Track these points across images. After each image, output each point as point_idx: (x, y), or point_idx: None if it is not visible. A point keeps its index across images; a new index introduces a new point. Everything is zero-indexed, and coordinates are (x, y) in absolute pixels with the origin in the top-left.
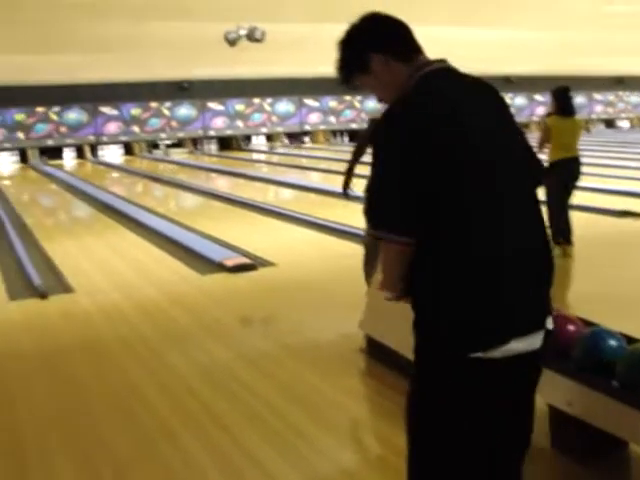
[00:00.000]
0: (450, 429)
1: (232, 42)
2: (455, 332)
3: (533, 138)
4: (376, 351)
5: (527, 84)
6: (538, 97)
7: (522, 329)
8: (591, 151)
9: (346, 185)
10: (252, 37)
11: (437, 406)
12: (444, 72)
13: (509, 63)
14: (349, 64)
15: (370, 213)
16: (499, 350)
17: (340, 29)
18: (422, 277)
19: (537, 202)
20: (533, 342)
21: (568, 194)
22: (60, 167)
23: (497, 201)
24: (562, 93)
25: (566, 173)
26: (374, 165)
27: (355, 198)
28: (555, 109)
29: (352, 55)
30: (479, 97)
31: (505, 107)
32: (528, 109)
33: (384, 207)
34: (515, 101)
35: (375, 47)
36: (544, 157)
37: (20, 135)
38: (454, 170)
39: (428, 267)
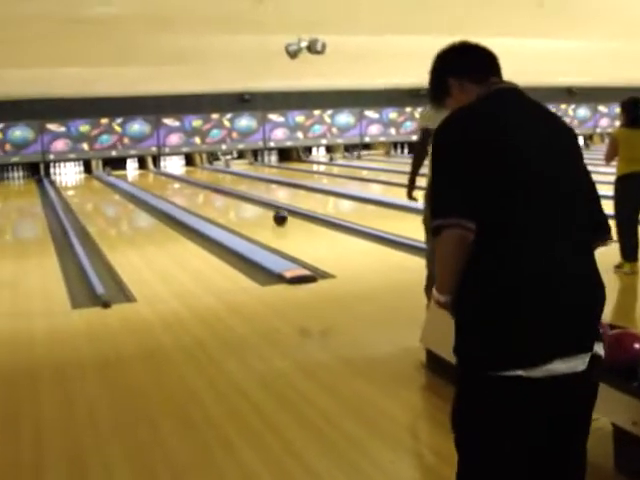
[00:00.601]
0: (491, 448)
1: (293, 54)
2: (499, 348)
3: (597, 150)
4: (436, 366)
5: (590, 95)
6: (602, 108)
7: (566, 351)
8: None
9: (409, 195)
10: (313, 49)
11: (478, 424)
12: (506, 91)
13: (571, 74)
14: (435, 88)
15: (432, 208)
16: (540, 369)
17: (400, 42)
18: (468, 286)
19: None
20: (576, 364)
21: (637, 210)
22: (123, 178)
23: (550, 220)
24: (632, 104)
25: (635, 187)
26: (432, 165)
27: (416, 210)
28: (624, 121)
29: (435, 80)
30: (535, 119)
31: (573, 144)
32: (591, 121)
33: (443, 197)
34: (577, 113)
35: (452, 72)
36: (612, 170)
37: (84, 146)
38: (502, 181)
39: (475, 278)
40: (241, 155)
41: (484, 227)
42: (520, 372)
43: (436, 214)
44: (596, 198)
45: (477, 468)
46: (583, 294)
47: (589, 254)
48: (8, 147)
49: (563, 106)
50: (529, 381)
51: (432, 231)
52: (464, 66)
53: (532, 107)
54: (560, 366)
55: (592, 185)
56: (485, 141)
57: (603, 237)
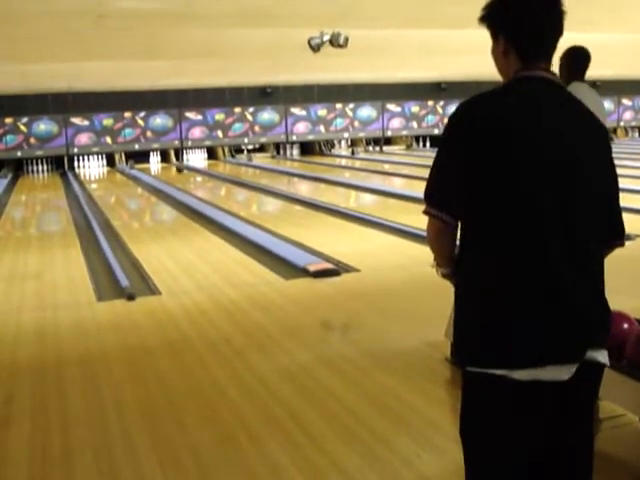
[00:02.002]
0: (481, 447)
1: (316, 48)
2: (486, 345)
3: (620, 144)
4: None
5: (613, 88)
6: (625, 101)
7: (550, 358)
8: None
9: None
10: (335, 43)
11: (472, 420)
12: (539, 81)
13: (594, 67)
14: (491, 14)
15: (424, 190)
16: (524, 372)
17: (422, 35)
18: (464, 281)
19: (594, 257)
20: (559, 373)
21: None
22: (146, 171)
23: (540, 230)
24: None
25: None
26: (438, 148)
27: None
28: None
29: (492, 15)
30: (563, 115)
31: (603, 146)
32: (615, 114)
33: (431, 183)
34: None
35: (505, 32)
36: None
37: (108, 140)
38: (501, 178)
39: (470, 275)
40: (263, 148)
41: (479, 226)
42: (504, 371)
43: (424, 199)
44: (615, 202)
45: (473, 465)
46: (577, 303)
47: (591, 263)
48: (33, 141)
49: None
50: (513, 383)
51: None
52: (519, 33)
53: (559, 103)
54: (543, 372)
55: (613, 189)
56: (490, 145)
57: (615, 241)
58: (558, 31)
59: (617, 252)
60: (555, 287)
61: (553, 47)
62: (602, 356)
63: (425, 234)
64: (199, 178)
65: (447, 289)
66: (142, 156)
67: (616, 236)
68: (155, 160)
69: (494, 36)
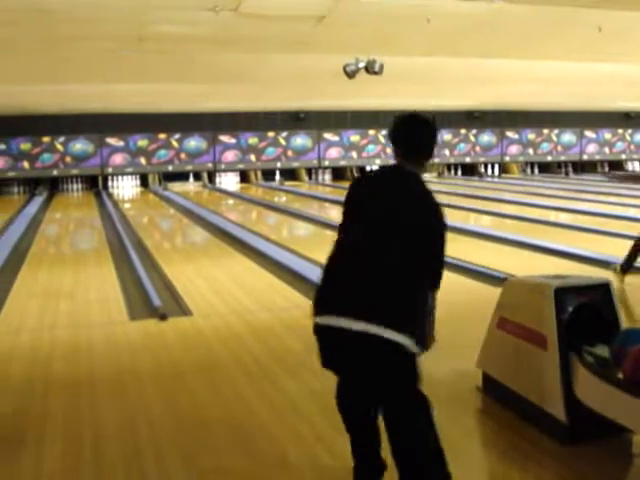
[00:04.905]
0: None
1: (351, 74)
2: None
3: None
4: (493, 389)
5: None
6: None
7: (335, 311)
8: None
9: None
10: (371, 70)
11: None
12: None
13: (630, 98)
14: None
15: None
16: (320, 318)
17: (456, 64)
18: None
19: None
20: (339, 321)
21: None
22: (179, 192)
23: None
24: None
25: None
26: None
27: (468, 232)
28: None
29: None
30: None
31: (399, 210)
32: None
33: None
34: (634, 137)
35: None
36: None
37: (142, 160)
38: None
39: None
40: (295, 174)
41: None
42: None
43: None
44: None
45: None
46: (353, 286)
47: (384, 273)
48: (68, 160)
49: (620, 130)
50: (316, 325)
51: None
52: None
53: (387, 181)
54: (328, 320)
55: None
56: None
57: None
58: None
59: None
60: (347, 275)
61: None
62: (391, 334)
63: (456, 262)
64: (231, 201)
65: (479, 316)
66: (175, 177)
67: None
68: (188, 182)
69: None
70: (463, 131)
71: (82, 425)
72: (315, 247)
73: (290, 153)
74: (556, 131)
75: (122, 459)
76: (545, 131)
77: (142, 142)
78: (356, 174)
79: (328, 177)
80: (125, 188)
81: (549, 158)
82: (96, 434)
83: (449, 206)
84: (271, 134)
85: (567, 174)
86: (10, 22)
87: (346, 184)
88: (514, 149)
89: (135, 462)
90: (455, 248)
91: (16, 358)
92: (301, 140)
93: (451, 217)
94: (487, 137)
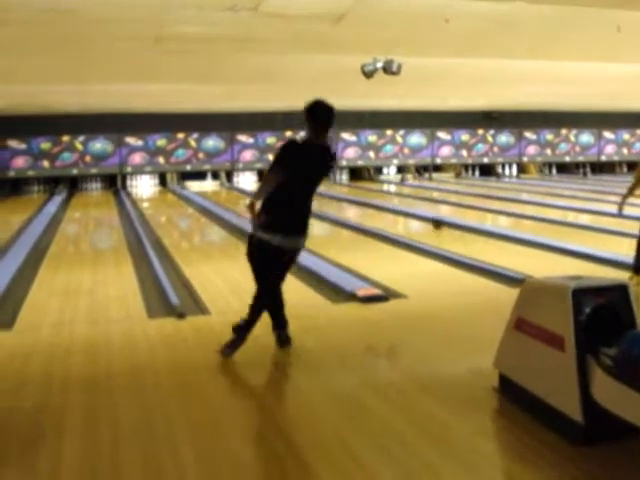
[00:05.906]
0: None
1: (369, 74)
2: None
3: None
4: (509, 390)
5: None
6: None
7: (285, 234)
8: None
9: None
10: (389, 70)
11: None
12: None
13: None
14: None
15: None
16: (275, 239)
17: (474, 64)
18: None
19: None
20: (289, 242)
21: None
22: (197, 192)
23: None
24: None
25: None
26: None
27: (486, 232)
28: None
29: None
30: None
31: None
32: None
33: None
34: None
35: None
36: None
37: (160, 160)
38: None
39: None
40: None
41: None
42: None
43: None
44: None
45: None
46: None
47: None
48: (88, 159)
49: (638, 131)
50: (273, 245)
51: None
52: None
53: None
54: (281, 241)
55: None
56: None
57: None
58: None
59: None
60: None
61: None
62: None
63: (473, 262)
64: (248, 200)
65: (496, 317)
66: (193, 176)
67: None
68: (206, 181)
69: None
70: (481, 131)
71: (100, 420)
72: (332, 246)
73: None
74: (574, 131)
75: (139, 454)
76: (563, 131)
77: (161, 141)
78: (373, 174)
79: (345, 177)
80: (144, 187)
81: (567, 159)
82: (114, 430)
83: (469, 207)
84: (289, 134)
85: (585, 175)
86: (32, 21)
87: (363, 184)
88: (532, 150)
89: (152, 459)
90: (473, 249)
91: (35, 354)
92: None
93: (469, 218)
94: (505, 138)
